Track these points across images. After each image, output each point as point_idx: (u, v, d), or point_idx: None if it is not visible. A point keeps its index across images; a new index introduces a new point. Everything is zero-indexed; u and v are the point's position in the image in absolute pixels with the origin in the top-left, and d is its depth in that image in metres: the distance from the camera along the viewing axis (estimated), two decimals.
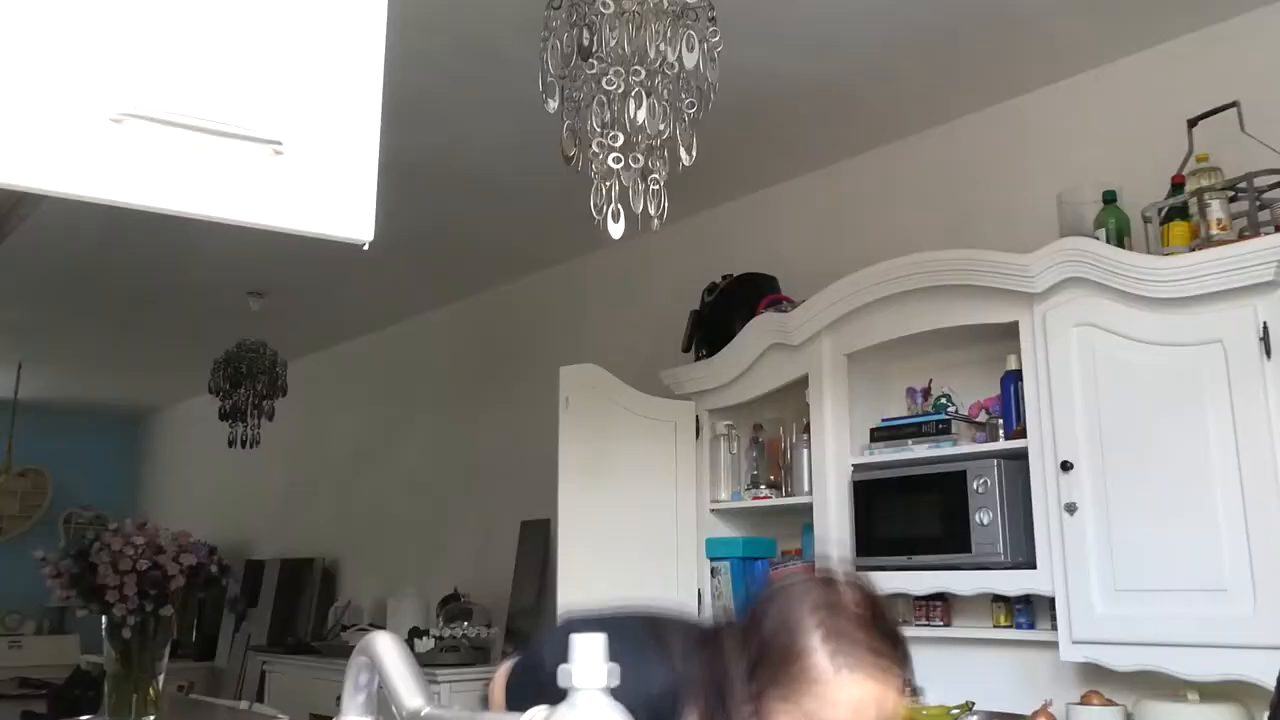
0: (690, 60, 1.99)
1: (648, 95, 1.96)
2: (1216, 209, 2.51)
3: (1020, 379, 2.80)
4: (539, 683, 1.04)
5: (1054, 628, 2.66)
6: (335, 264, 4.88)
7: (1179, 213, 2.60)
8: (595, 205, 1.97)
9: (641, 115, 1.95)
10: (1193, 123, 2.70)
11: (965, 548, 2.79)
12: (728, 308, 3.61)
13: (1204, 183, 2.56)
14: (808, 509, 3.22)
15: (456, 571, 5.16)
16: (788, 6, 2.80)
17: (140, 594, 2.69)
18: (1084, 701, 2.62)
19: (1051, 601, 2.67)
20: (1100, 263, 2.59)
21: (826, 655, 1.08)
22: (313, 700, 4.64)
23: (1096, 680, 2.67)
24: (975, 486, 2.79)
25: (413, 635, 4.54)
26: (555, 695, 0.82)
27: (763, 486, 3.46)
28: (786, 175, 3.94)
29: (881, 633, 1.11)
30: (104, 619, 2.73)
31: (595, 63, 1.95)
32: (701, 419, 3.59)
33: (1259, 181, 2.50)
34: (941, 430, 2.98)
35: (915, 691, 3.11)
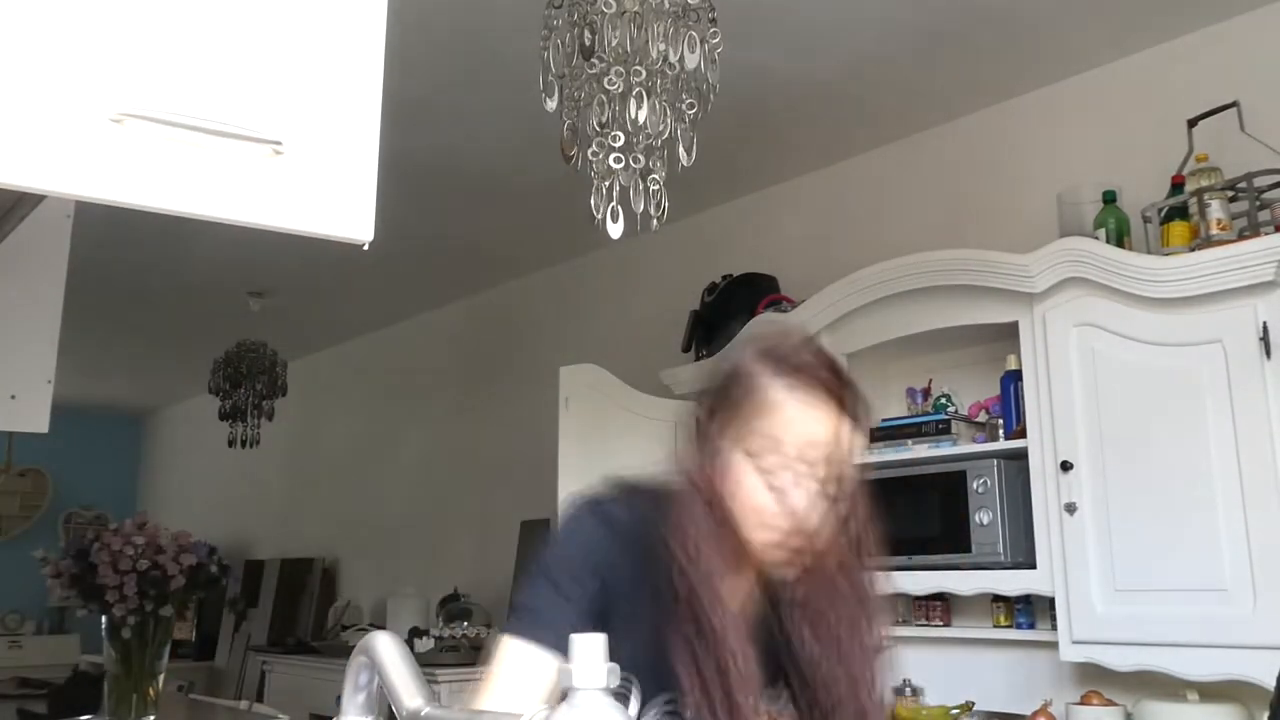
0: (691, 60, 1.99)
1: (648, 95, 1.96)
2: (1216, 209, 2.51)
3: (1020, 379, 2.80)
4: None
5: (1054, 628, 2.65)
6: (335, 264, 4.88)
7: (1179, 213, 2.60)
8: (595, 205, 1.97)
9: (642, 115, 1.95)
10: (1193, 123, 2.70)
11: (965, 548, 2.79)
12: (728, 308, 3.61)
13: (1204, 183, 2.56)
14: None
15: (456, 571, 5.16)
16: (788, 7, 2.80)
17: (140, 594, 2.68)
18: (1084, 701, 2.62)
19: (1051, 601, 2.67)
20: (1100, 263, 2.59)
21: (779, 385, 1.19)
22: (313, 700, 4.64)
23: (1096, 680, 2.67)
24: (975, 486, 2.79)
25: (413, 635, 4.54)
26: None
27: None
28: (786, 175, 3.94)
29: (829, 369, 1.22)
30: (104, 619, 2.72)
31: (596, 62, 1.95)
32: None
33: (1259, 181, 2.50)
34: (941, 430, 2.98)
35: (916, 691, 3.11)
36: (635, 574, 1.19)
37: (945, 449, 2.94)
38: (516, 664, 1.18)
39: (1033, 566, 2.67)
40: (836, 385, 1.21)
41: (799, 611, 1.22)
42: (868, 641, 1.21)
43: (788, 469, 1.17)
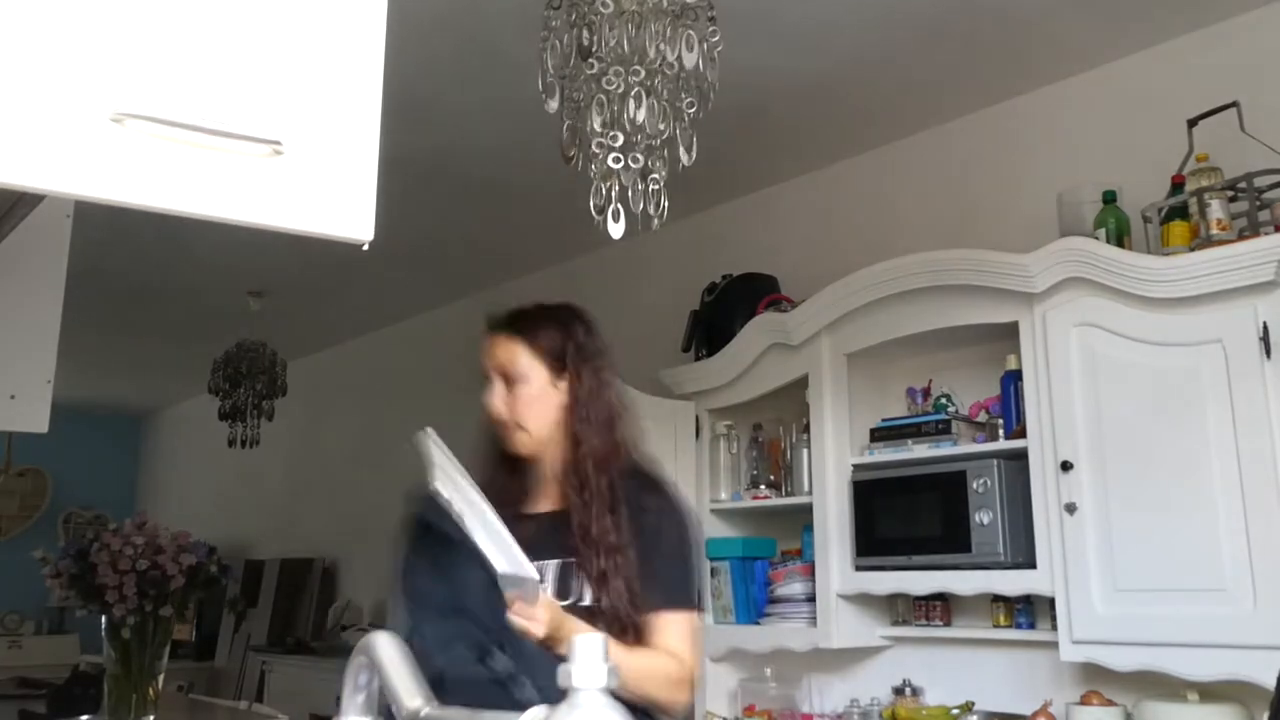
0: (690, 60, 1.99)
1: (648, 95, 1.95)
2: (1216, 209, 2.51)
3: (1020, 379, 2.80)
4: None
5: (1054, 628, 2.65)
6: (335, 264, 4.88)
7: (1179, 213, 2.60)
8: (595, 205, 1.97)
9: (641, 115, 1.95)
10: (1193, 123, 2.70)
11: (965, 548, 2.79)
12: (728, 308, 3.61)
13: (1204, 183, 2.56)
14: (807, 509, 3.22)
15: None
16: (787, 6, 2.80)
17: (140, 594, 2.68)
18: (1084, 701, 2.62)
19: (1051, 601, 2.67)
20: (1100, 263, 2.60)
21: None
22: (312, 700, 4.64)
23: (1096, 680, 2.67)
24: (975, 486, 2.79)
25: None
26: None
27: (762, 486, 3.46)
28: (786, 175, 3.94)
29: (509, 314, 1.89)
30: (103, 619, 2.72)
31: (595, 63, 1.95)
32: (701, 419, 3.59)
33: (1259, 181, 2.50)
34: (941, 430, 2.98)
35: (916, 691, 3.11)
36: None
37: (945, 449, 2.94)
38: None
39: (1033, 566, 2.67)
40: (508, 322, 1.86)
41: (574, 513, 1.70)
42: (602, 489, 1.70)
43: (487, 382, 1.83)
